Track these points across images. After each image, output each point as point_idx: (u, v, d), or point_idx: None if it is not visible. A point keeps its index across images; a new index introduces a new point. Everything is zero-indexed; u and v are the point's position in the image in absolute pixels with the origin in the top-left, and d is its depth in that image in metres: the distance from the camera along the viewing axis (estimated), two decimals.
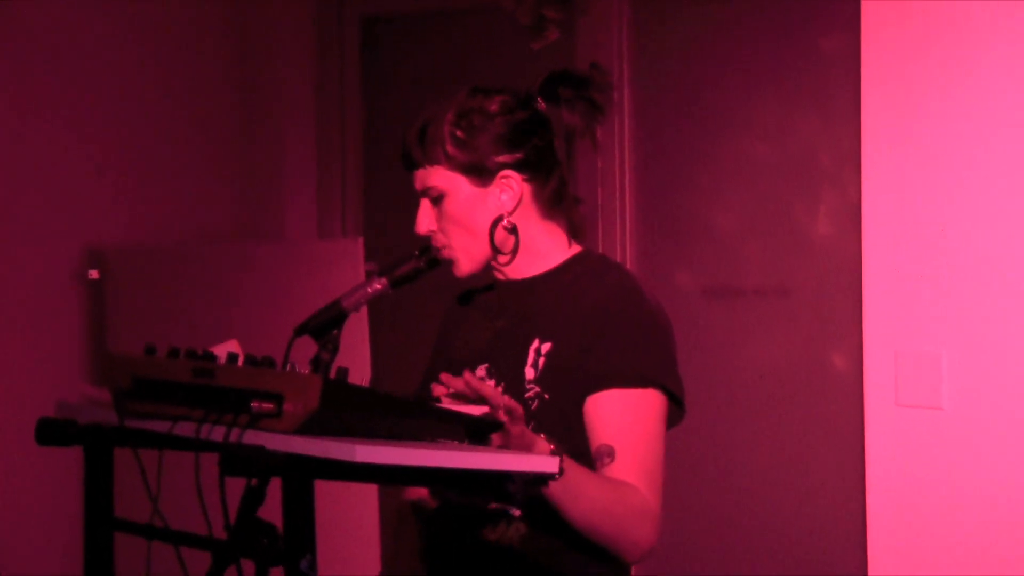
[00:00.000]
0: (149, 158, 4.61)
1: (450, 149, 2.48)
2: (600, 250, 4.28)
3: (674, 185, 4.38)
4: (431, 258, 2.49)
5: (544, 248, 2.55)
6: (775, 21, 4.18)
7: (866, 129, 3.23)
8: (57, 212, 4.33)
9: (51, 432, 2.22)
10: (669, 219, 4.39)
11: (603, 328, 2.44)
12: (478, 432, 2.15)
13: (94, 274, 4.38)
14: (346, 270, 4.27)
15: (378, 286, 2.44)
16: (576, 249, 2.58)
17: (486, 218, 2.51)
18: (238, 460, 1.87)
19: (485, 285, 2.64)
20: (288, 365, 2.04)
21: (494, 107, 2.50)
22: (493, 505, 2.45)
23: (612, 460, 2.37)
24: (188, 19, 4.74)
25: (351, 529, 4.23)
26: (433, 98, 2.56)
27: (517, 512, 2.44)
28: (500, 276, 2.58)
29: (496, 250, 2.52)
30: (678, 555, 4.27)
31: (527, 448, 2.20)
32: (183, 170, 4.71)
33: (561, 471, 2.17)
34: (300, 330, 2.34)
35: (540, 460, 2.10)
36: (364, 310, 3.83)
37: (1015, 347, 3.05)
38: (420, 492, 2.66)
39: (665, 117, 4.39)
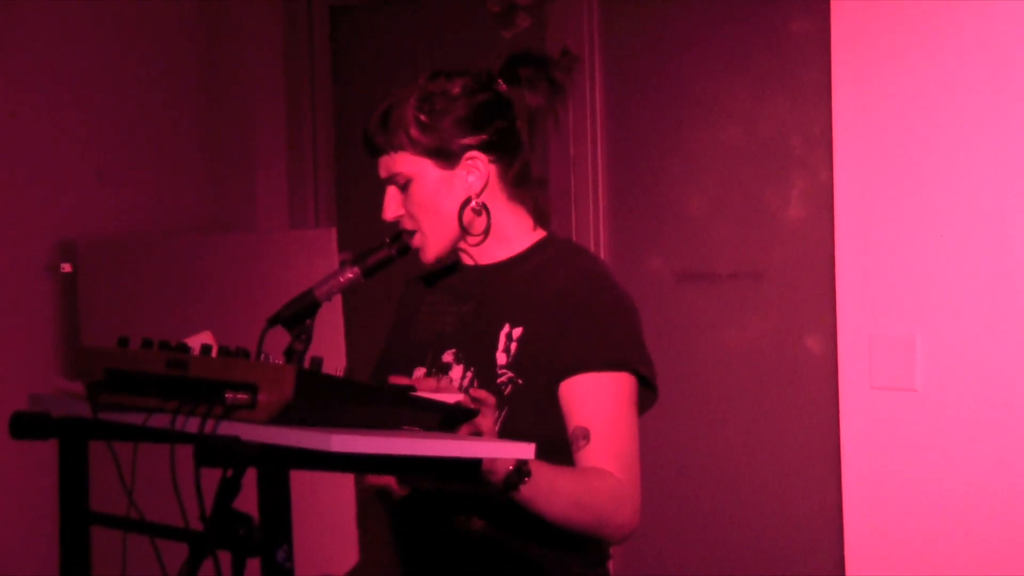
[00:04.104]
0: (119, 150, 4.59)
1: (414, 133, 2.48)
2: (574, 236, 4.29)
3: (647, 170, 4.38)
4: (403, 245, 2.49)
5: (510, 231, 2.56)
6: (745, 4, 4.18)
7: (837, 112, 3.24)
8: (28, 205, 4.31)
9: (26, 426, 2.21)
10: (642, 204, 4.39)
11: (573, 313, 2.44)
12: (453, 420, 2.15)
13: (66, 267, 4.36)
14: (319, 260, 4.25)
15: (350, 275, 2.43)
16: (541, 234, 2.59)
17: (454, 201, 2.51)
18: (213, 451, 1.86)
19: (444, 267, 2.64)
20: (262, 356, 2.03)
21: (456, 89, 2.50)
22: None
23: (587, 442, 2.38)
24: (156, 11, 4.72)
25: (328, 519, 4.22)
26: (403, 86, 2.56)
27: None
28: (468, 260, 2.58)
29: (465, 232, 2.52)
30: (652, 538, 4.28)
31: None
32: (154, 162, 4.70)
33: (528, 472, 2.18)
34: (273, 320, 2.33)
35: (515, 446, 2.10)
36: (337, 299, 3.84)
37: (988, 329, 3.05)
38: (384, 478, 2.66)
39: (637, 102, 4.39)
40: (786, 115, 4.13)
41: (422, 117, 2.48)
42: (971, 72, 3.06)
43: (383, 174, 2.53)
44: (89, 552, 2.27)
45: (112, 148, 4.57)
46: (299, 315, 2.34)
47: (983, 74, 3.04)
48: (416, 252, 2.52)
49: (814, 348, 4.08)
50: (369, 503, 2.68)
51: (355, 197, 4.93)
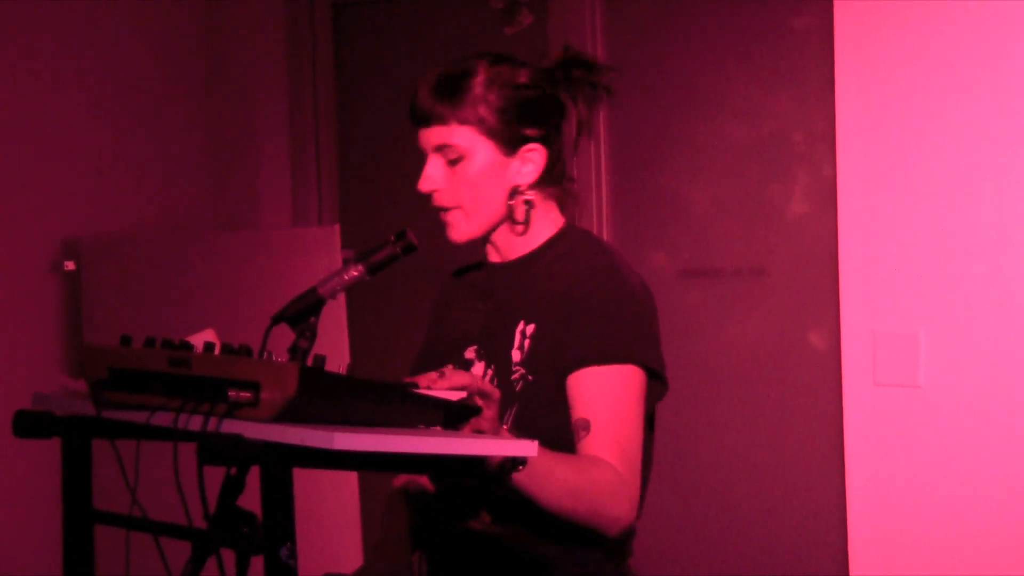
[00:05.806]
0: (122, 148, 4.59)
1: (483, 111, 2.46)
2: None
3: (650, 167, 4.38)
4: (407, 244, 2.48)
5: (539, 226, 2.56)
6: (748, 0, 4.18)
7: (840, 108, 3.24)
8: (31, 203, 4.32)
9: (29, 424, 2.21)
10: (645, 201, 4.39)
11: (580, 307, 2.44)
12: (456, 417, 2.15)
13: (70, 265, 4.37)
14: (322, 257, 4.26)
15: (355, 273, 2.43)
16: (559, 225, 2.59)
17: (503, 187, 2.50)
18: (216, 449, 1.86)
19: (476, 263, 2.64)
20: (265, 353, 2.03)
21: (523, 79, 2.50)
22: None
23: (587, 434, 2.38)
24: (159, 8, 4.72)
25: (332, 517, 4.23)
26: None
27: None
28: (494, 257, 2.58)
29: (512, 220, 2.53)
30: (654, 535, 4.28)
31: (496, 434, 2.21)
32: (157, 159, 4.70)
33: (523, 460, 2.17)
34: (277, 318, 2.33)
35: (518, 444, 2.10)
36: (341, 297, 3.84)
37: (991, 325, 3.06)
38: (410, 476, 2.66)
39: (639, 99, 4.39)
40: (789, 111, 4.13)
41: (491, 97, 2.47)
42: (975, 68, 3.06)
43: (433, 143, 2.49)
44: (93, 550, 2.28)
45: (115, 146, 4.57)
46: (303, 313, 2.33)
47: (987, 70, 3.04)
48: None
49: (817, 344, 4.08)
50: (389, 501, 2.66)
51: (358, 194, 4.93)
